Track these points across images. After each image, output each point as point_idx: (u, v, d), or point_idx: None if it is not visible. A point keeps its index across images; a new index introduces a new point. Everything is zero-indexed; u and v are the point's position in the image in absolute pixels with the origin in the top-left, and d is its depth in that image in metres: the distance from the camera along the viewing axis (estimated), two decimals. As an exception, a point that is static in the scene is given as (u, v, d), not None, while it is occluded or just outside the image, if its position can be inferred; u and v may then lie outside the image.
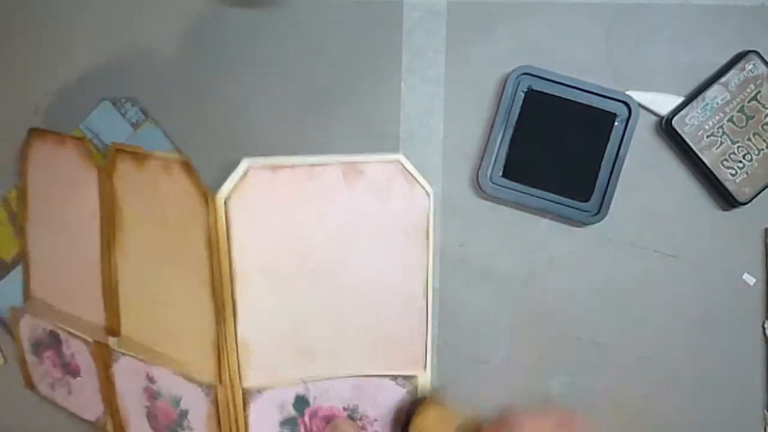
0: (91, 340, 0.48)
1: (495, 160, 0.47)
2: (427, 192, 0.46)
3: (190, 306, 0.46)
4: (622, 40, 0.47)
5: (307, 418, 0.47)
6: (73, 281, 0.49)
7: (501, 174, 0.47)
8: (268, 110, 0.48)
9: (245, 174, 0.44)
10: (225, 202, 0.43)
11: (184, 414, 0.47)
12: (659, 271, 0.48)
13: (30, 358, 0.51)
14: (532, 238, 0.48)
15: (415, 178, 0.46)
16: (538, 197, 0.47)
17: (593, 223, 0.47)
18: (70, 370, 0.50)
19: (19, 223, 0.51)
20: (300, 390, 0.47)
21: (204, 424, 0.46)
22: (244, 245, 0.44)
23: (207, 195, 0.43)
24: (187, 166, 0.43)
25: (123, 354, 0.47)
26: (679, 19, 0.47)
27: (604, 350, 0.48)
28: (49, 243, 0.50)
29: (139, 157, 0.45)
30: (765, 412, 0.48)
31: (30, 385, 0.52)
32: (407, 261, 0.46)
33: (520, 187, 0.47)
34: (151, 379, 0.47)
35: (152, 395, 0.47)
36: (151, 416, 0.48)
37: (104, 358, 0.48)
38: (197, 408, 0.46)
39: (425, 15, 0.48)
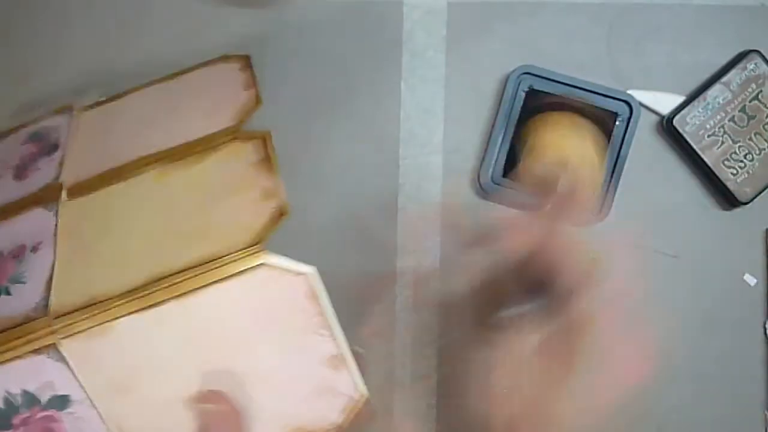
0: None
1: (496, 160, 0.47)
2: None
3: None
4: (622, 40, 0.47)
5: None
6: None
7: (502, 174, 0.47)
8: (268, 110, 0.48)
9: None
10: None
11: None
12: (659, 271, 0.48)
13: None
14: (532, 239, 0.48)
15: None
16: (539, 197, 0.47)
17: (594, 223, 0.46)
18: None
19: None
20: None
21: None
22: None
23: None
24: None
25: None
26: (679, 19, 0.47)
27: (604, 350, 0.48)
28: None
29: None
30: (766, 412, 0.48)
31: None
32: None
33: (521, 186, 0.47)
34: None
35: None
36: None
37: None
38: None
39: (425, 15, 0.47)
